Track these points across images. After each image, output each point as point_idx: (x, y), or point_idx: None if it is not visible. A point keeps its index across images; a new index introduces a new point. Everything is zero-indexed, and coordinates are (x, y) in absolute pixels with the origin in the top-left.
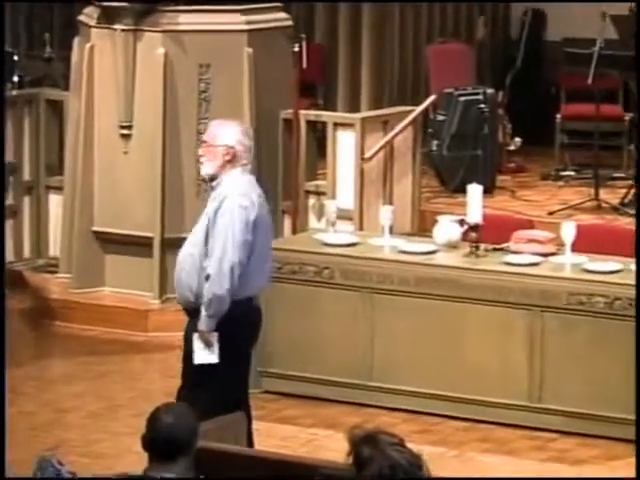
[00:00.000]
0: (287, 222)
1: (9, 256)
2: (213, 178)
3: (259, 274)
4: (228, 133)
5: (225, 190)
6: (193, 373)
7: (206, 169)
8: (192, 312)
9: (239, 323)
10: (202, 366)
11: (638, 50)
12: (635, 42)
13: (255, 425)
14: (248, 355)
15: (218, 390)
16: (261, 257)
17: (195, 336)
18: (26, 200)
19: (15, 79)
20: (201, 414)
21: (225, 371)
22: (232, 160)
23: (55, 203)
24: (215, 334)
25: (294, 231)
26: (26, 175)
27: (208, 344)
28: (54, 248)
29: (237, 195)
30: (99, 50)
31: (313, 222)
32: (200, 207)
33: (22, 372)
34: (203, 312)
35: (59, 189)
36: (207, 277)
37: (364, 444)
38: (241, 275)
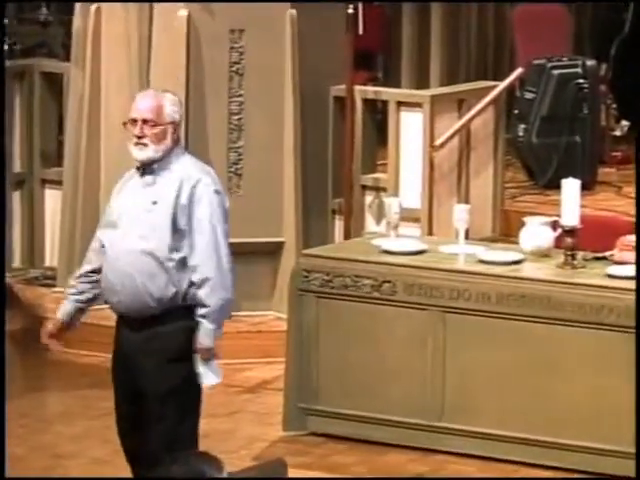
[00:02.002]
0: (339, 224)
1: None
2: (153, 162)
3: None
4: (171, 106)
5: (188, 173)
6: (171, 398)
7: (150, 153)
8: (147, 321)
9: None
10: (185, 388)
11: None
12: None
13: (297, 474)
14: None
15: (198, 414)
16: None
17: (196, 356)
18: (16, 197)
19: (4, 47)
20: (187, 446)
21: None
22: (178, 139)
23: (52, 200)
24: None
25: (347, 235)
26: (17, 166)
27: (209, 361)
28: (50, 256)
29: (209, 179)
30: (107, 12)
31: (371, 225)
32: (234, 204)
33: (11, 408)
34: (208, 324)
35: (57, 183)
36: (204, 281)
37: None
38: None
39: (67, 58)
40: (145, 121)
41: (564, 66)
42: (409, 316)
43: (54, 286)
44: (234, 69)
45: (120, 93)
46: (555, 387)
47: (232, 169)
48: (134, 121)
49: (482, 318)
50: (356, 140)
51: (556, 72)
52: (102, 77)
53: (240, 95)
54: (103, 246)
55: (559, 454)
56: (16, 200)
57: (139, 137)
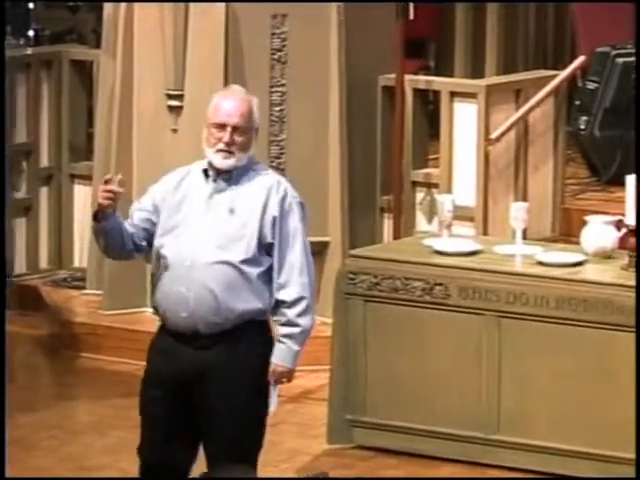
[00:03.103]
0: (387, 223)
1: (21, 266)
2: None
3: None
4: (257, 111)
5: (272, 182)
6: (253, 425)
7: (234, 162)
8: (220, 338)
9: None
10: (258, 412)
11: (638, 50)
12: (635, 42)
13: None
14: None
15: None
16: None
17: (272, 379)
18: (43, 193)
19: (30, 33)
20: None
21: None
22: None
23: (81, 197)
24: None
25: (396, 235)
26: (44, 160)
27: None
28: (80, 256)
29: (293, 190)
30: None
31: (422, 224)
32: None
33: (37, 418)
34: (294, 345)
35: (87, 178)
36: (297, 300)
37: None
38: None
39: (97, 45)
40: (235, 127)
41: (629, 54)
42: (462, 321)
43: (83, 288)
44: (276, 57)
45: (154, 82)
46: (619, 398)
47: (273, 164)
48: (221, 126)
49: (540, 323)
50: (406, 133)
51: (621, 60)
52: (135, 65)
53: (282, 85)
54: (158, 256)
55: (621, 469)
56: (43, 196)
57: (227, 144)
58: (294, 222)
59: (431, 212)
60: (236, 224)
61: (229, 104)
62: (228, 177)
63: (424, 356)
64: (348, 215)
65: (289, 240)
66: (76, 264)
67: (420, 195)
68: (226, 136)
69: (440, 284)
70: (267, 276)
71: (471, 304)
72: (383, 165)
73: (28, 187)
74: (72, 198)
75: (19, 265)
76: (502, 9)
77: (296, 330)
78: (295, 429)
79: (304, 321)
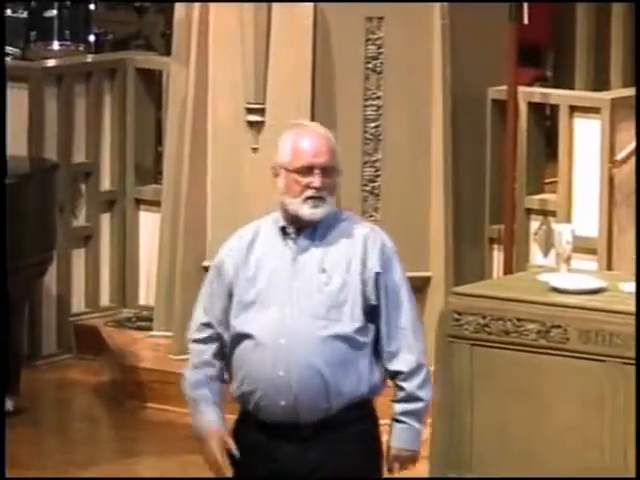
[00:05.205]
0: (498, 256)
1: (79, 304)
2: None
3: None
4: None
5: (366, 232)
6: None
7: (326, 209)
8: (320, 426)
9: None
10: None
11: (638, 51)
12: (635, 42)
13: None
14: None
15: None
16: None
17: (394, 467)
18: (104, 220)
19: (91, 38)
20: None
21: None
22: None
23: (148, 225)
24: None
25: (508, 270)
26: (105, 183)
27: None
28: (146, 293)
29: (386, 237)
30: None
31: (537, 256)
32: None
33: (99, 474)
34: (416, 424)
35: (154, 204)
36: (415, 370)
37: None
38: None
39: (167, 51)
40: (324, 168)
41: None
42: (583, 369)
43: (150, 329)
44: (371, 66)
45: (231, 94)
46: None
47: (367, 188)
48: (308, 170)
49: None
50: (519, 153)
51: None
52: (210, 75)
53: (378, 97)
54: (241, 337)
55: None
56: (105, 223)
57: (318, 189)
58: (397, 277)
59: (547, 243)
60: (332, 287)
61: (311, 142)
62: (312, 231)
63: (538, 407)
64: (452, 247)
65: (395, 299)
66: (142, 302)
67: (535, 224)
68: (316, 180)
69: (557, 326)
70: (374, 345)
71: (593, 349)
72: (493, 190)
73: (88, 213)
74: (137, 226)
75: (77, 303)
76: (629, 10)
77: (418, 405)
78: None
79: (426, 393)
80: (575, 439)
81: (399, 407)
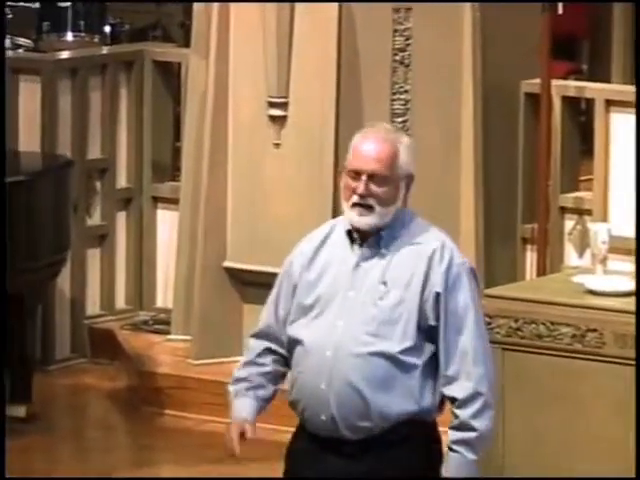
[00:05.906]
0: (530, 257)
1: (94, 307)
2: (378, 230)
3: None
4: (408, 154)
5: (434, 247)
6: None
7: (375, 219)
8: (367, 445)
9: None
10: None
11: (638, 49)
12: (635, 42)
13: None
14: None
15: None
16: None
17: None
18: (120, 218)
19: (106, 29)
20: None
21: None
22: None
23: (166, 224)
24: None
25: (541, 271)
26: (121, 180)
27: None
28: (163, 295)
29: (459, 254)
30: None
31: (571, 257)
32: None
33: None
34: (470, 455)
35: (172, 202)
36: (472, 397)
37: None
38: None
39: (186, 44)
40: (372, 175)
41: None
42: (620, 374)
43: (168, 333)
44: (398, 58)
45: (253, 87)
46: None
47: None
48: (357, 174)
49: None
50: (553, 149)
51: None
52: (230, 67)
53: (406, 91)
54: (294, 342)
55: None
56: (121, 222)
57: (362, 196)
58: (464, 298)
59: (582, 243)
60: (388, 302)
61: (367, 147)
62: (377, 239)
63: (572, 414)
64: (483, 246)
65: (458, 321)
66: (159, 304)
67: (570, 223)
68: (361, 186)
69: (593, 330)
70: (431, 367)
71: (630, 354)
72: (525, 187)
73: (103, 212)
74: (155, 225)
75: (92, 305)
76: None
77: (471, 435)
78: None
79: (481, 424)
80: (611, 446)
81: (452, 435)
